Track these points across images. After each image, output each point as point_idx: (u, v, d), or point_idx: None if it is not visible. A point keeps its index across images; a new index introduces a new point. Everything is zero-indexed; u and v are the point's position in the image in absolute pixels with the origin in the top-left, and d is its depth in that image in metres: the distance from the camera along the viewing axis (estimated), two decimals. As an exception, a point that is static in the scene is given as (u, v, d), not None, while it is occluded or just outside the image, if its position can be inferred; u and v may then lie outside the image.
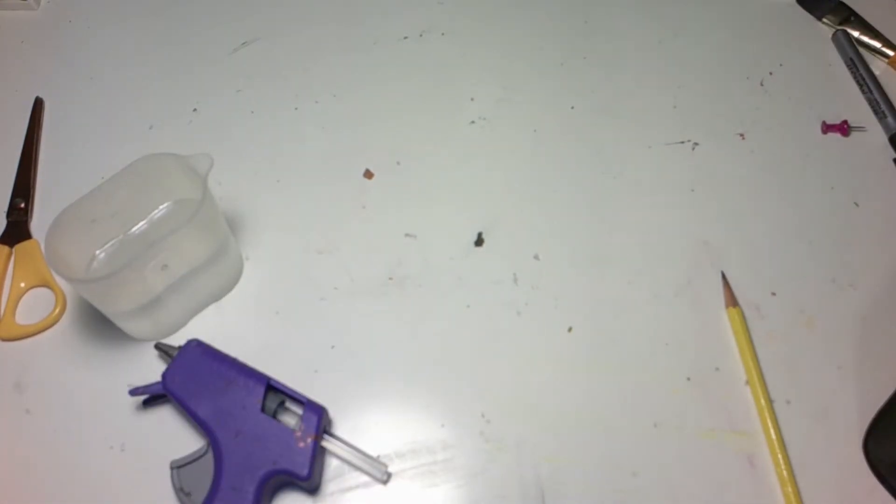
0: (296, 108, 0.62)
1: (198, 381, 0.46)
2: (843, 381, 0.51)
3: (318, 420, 0.45)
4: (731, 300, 0.53)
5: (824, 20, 0.67)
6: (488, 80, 0.64)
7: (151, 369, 0.50)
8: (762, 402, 0.49)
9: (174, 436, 0.48)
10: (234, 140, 0.60)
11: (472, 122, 0.61)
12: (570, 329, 0.52)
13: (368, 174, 0.59)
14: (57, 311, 0.52)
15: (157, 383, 0.46)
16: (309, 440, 0.44)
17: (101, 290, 0.45)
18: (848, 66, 0.64)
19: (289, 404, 0.46)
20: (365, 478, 0.47)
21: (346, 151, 0.60)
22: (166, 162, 0.47)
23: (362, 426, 0.49)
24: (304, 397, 0.46)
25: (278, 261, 0.55)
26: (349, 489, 0.47)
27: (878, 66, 0.64)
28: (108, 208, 0.47)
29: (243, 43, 0.66)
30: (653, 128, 0.61)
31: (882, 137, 0.61)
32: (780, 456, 0.47)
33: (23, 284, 0.54)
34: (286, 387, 0.46)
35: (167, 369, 0.46)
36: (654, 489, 0.47)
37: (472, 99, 0.63)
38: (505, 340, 0.52)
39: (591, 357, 0.51)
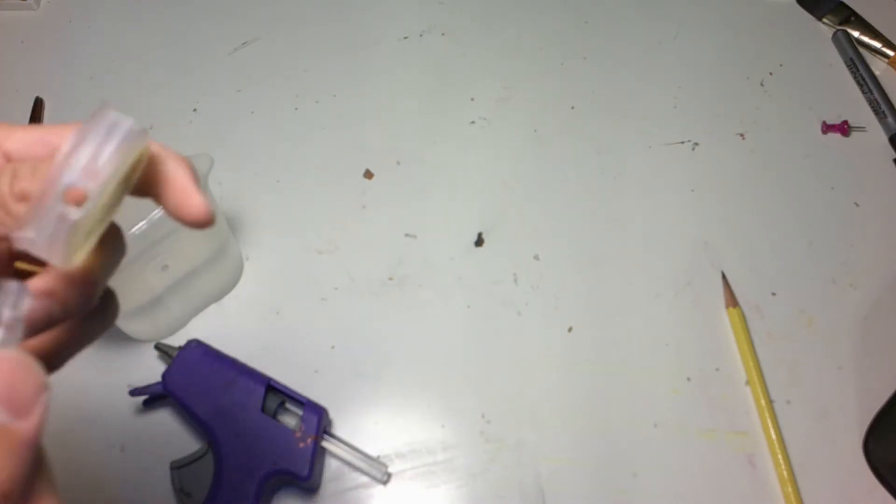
0: (296, 109, 0.62)
1: (198, 382, 0.46)
2: (843, 381, 0.51)
3: (319, 420, 0.45)
4: (731, 300, 0.53)
5: (824, 20, 0.67)
6: (488, 80, 0.64)
7: (151, 369, 0.50)
8: (762, 402, 0.49)
9: (174, 436, 0.48)
10: (234, 140, 0.60)
11: (473, 122, 0.61)
12: (570, 329, 0.52)
13: (368, 174, 0.59)
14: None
15: (158, 383, 0.46)
16: (309, 440, 0.44)
17: (101, 290, 0.45)
18: (848, 66, 0.64)
19: (289, 405, 0.46)
20: (365, 478, 0.47)
21: (346, 151, 0.60)
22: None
23: (362, 426, 0.49)
24: (304, 398, 0.46)
25: (278, 261, 0.55)
26: (349, 489, 0.47)
27: (878, 66, 0.64)
28: (108, 208, 0.47)
29: (243, 43, 0.66)
30: (653, 128, 0.61)
31: (882, 137, 0.61)
32: (780, 456, 0.47)
33: (23, 284, 0.53)
34: (286, 387, 0.46)
35: (167, 369, 0.46)
36: (654, 489, 0.47)
37: (472, 99, 0.63)
38: (505, 340, 0.52)
39: (591, 357, 0.51)
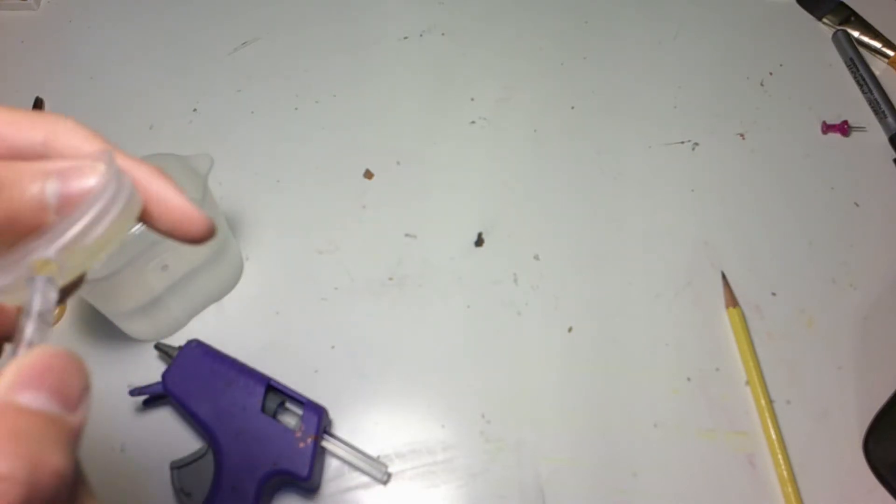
0: (296, 108, 0.62)
1: (198, 382, 0.46)
2: (843, 381, 0.51)
3: (319, 420, 0.45)
4: (731, 300, 0.53)
5: (824, 20, 0.67)
6: (488, 80, 0.64)
7: (151, 369, 0.50)
8: (762, 402, 0.49)
9: (174, 436, 0.48)
10: (234, 140, 0.60)
11: (473, 122, 0.61)
12: (570, 329, 0.52)
13: (368, 174, 0.59)
14: (57, 311, 0.52)
15: (157, 383, 0.46)
16: (309, 440, 0.44)
17: (102, 290, 0.45)
18: (848, 66, 0.64)
19: (289, 404, 0.46)
20: (365, 478, 0.47)
21: (346, 151, 0.60)
22: (166, 162, 0.47)
23: (362, 426, 0.49)
24: (304, 398, 0.46)
25: (278, 261, 0.55)
26: (349, 489, 0.47)
27: (878, 66, 0.64)
28: (108, 208, 0.47)
29: (243, 43, 0.66)
30: (653, 128, 0.61)
31: (882, 137, 0.61)
32: (780, 456, 0.47)
33: (23, 284, 0.53)
34: (286, 387, 0.46)
35: (167, 369, 0.46)
36: (654, 489, 0.47)
37: (472, 99, 0.63)
38: (505, 340, 0.52)
39: (591, 357, 0.51)
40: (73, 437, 0.18)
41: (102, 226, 0.20)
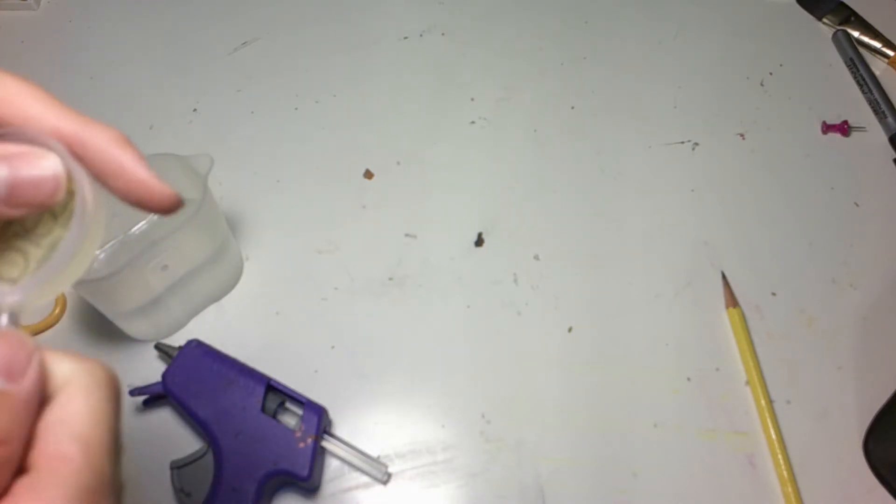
0: (296, 109, 0.62)
1: (198, 382, 0.46)
2: (843, 381, 0.51)
3: (319, 420, 0.45)
4: (731, 300, 0.53)
5: (824, 20, 0.67)
6: (488, 80, 0.64)
7: (151, 369, 0.50)
8: (762, 402, 0.49)
9: (174, 436, 0.48)
10: (234, 140, 0.60)
11: (473, 122, 0.61)
12: (570, 329, 0.52)
13: (368, 174, 0.59)
14: (57, 311, 0.52)
15: (157, 383, 0.46)
16: (309, 440, 0.44)
17: (102, 290, 0.45)
18: (848, 66, 0.64)
19: (289, 404, 0.46)
20: (365, 478, 0.47)
21: (346, 151, 0.60)
22: (166, 162, 0.47)
23: (362, 426, 0.49)
24: (304, 398, 0.46)
25: (278, 261, 0.55)
26: (349, 489, 0.47)
27: (878, 66, 0.64)
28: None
29: (243, 43, 0.66)
30: (653, 128, 0.61)
31: (882, 137, 0.61)
32: (780, 456, 0.47)
33: (23, 284, 0.53)
34: (286, 387, 0.46)
35: (167, 369, 0.46)
36: (654, 489, 0.47)
37: (472, 99, 0.63)
38: (505, 340, 0.52)
39: (591, 357, 0.51)
40: (19, 405, 0.19)
41: (77, 258, 0.21)
